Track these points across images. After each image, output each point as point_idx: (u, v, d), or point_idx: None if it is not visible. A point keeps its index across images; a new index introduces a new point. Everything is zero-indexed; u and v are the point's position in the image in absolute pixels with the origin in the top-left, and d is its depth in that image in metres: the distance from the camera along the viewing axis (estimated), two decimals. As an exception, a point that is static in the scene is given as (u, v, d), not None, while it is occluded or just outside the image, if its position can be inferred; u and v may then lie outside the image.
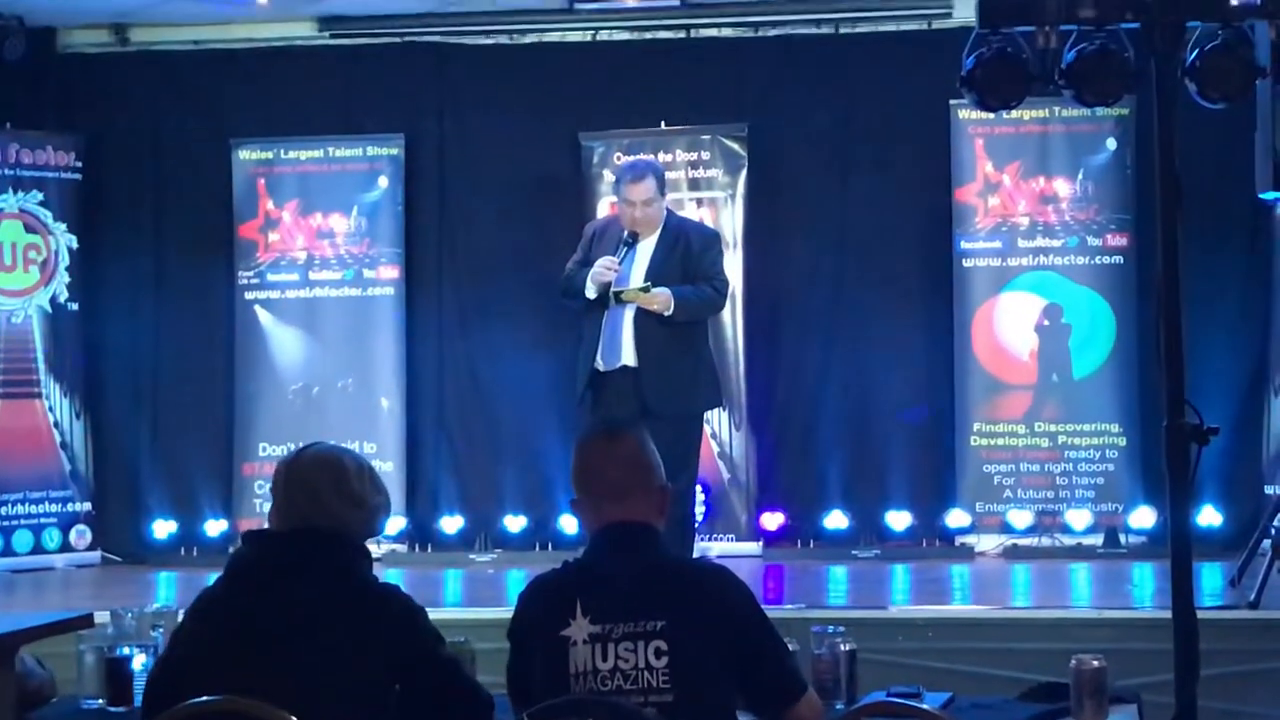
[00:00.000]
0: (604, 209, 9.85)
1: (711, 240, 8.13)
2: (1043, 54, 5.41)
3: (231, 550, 3.94)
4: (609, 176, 9.95)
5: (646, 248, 7.84)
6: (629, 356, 7.74)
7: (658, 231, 7.87)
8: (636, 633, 3.68)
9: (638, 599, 3.71)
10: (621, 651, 3.68)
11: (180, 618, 4.17)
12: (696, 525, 9.62)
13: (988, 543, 9.76)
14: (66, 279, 10.27)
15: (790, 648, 3.94)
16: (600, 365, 7.79)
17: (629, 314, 7.75)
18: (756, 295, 9.99)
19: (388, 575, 9.29)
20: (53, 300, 10.22)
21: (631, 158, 9.56)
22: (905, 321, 10.12)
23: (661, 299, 7.65)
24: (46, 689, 4.42)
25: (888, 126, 10.09)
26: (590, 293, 7.76)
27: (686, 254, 7.84)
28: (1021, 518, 9.70)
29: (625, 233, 7.81)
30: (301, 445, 4.00)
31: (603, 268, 7.71)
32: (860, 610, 7.61)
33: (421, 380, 10.43)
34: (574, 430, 8.07)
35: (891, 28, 10.20)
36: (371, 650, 3.67)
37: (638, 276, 7.76)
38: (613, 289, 7.73)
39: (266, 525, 3.88)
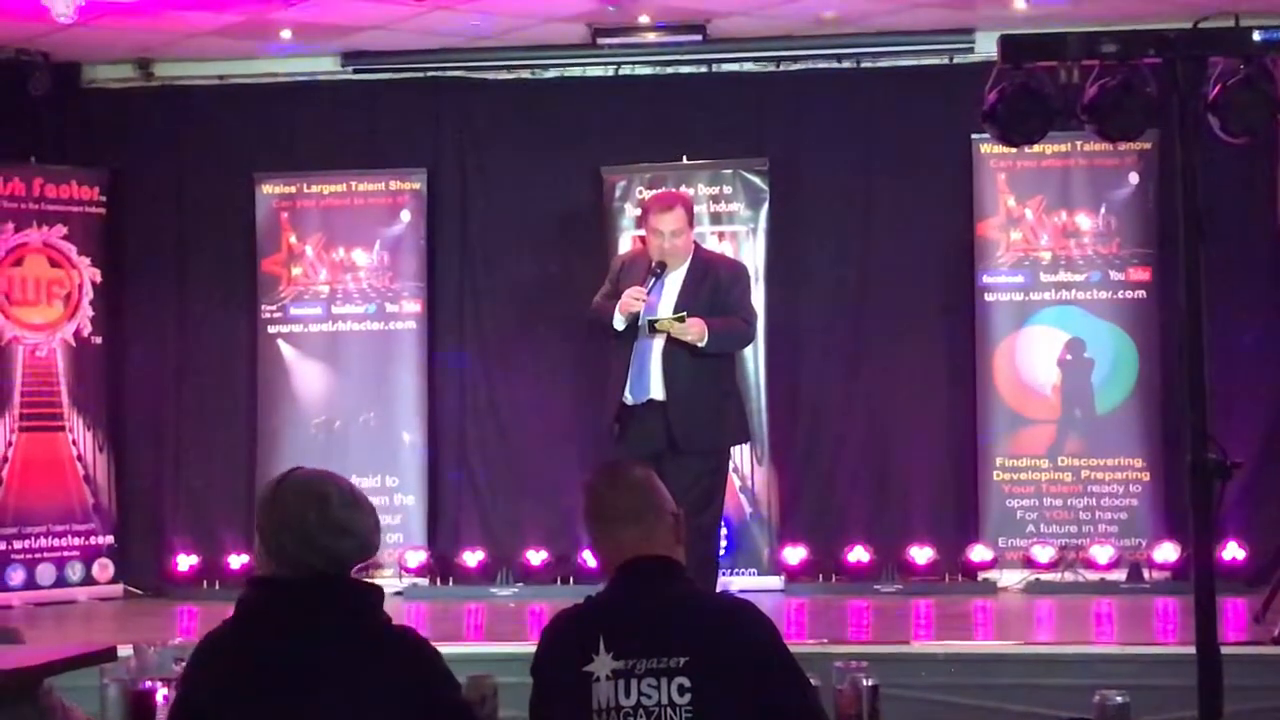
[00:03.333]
0: (626, 243, 9.88)
1: (740, 273, 8.06)
2: (1065, 89, 5.42)
3: (239, 596, 3.81)
4: (631, 210, 9.99)
5: (675, 279, 7.71)
6: (657, 390, 7.59)
7: (686, 263, 7.75)
8: (659, 669, 3.67)
9: (661, 635, 3.70)
10: (644, 688, 3.67)
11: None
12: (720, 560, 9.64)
13: (1010, 578, 9.73)
14: (90, 313, 10.30)
15: (812, 683, 3.93)
16: (629, 399, 7.64)
17: (657, 347, 7.61)
18: (778, 329, 9.98)
19: (409, 609, 9.31)
20: (76, 334, 10.26)
21: (655, 191, 9.62)
22: (927, 356, 10.12)
23: (696, 329, 7.51)
24: None
25: (909, 161, 10.10)
26: (619, 324, 7.64)
27: (715, 286, 7.75)
28: (1044, 553, 9.67)
29: (653, 263, 7.68)
30: (277, 476, 3.84)
31: (631, 298, 7.58)
32: (882, 645, 7.59)
33: (443, 414, 10.44)
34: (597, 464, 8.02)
35: (913, 63, 10.21)
36: (386, 699, 3.63)
37: (666, 307, 7.65)
38: (645, 318, 7.61)
39: (261, 568, 3.78)
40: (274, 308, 10.39)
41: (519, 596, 9.75)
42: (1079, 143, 9.59)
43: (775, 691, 3.73)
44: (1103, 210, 9.80)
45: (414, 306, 10.35)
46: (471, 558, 10.13)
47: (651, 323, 7.58)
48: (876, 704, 4.38)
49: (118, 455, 10.45)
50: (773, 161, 10.08)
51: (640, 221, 7.95)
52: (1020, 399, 9.84)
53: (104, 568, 10.25)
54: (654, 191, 9.35)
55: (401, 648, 3.71)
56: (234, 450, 10.48)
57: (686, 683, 3.65)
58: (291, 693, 3.60)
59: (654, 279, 7.64)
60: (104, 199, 10.42)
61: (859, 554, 9.83)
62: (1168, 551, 9.46)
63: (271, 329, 10.38)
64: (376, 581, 3.81)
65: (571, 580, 9.81)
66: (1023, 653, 7.45)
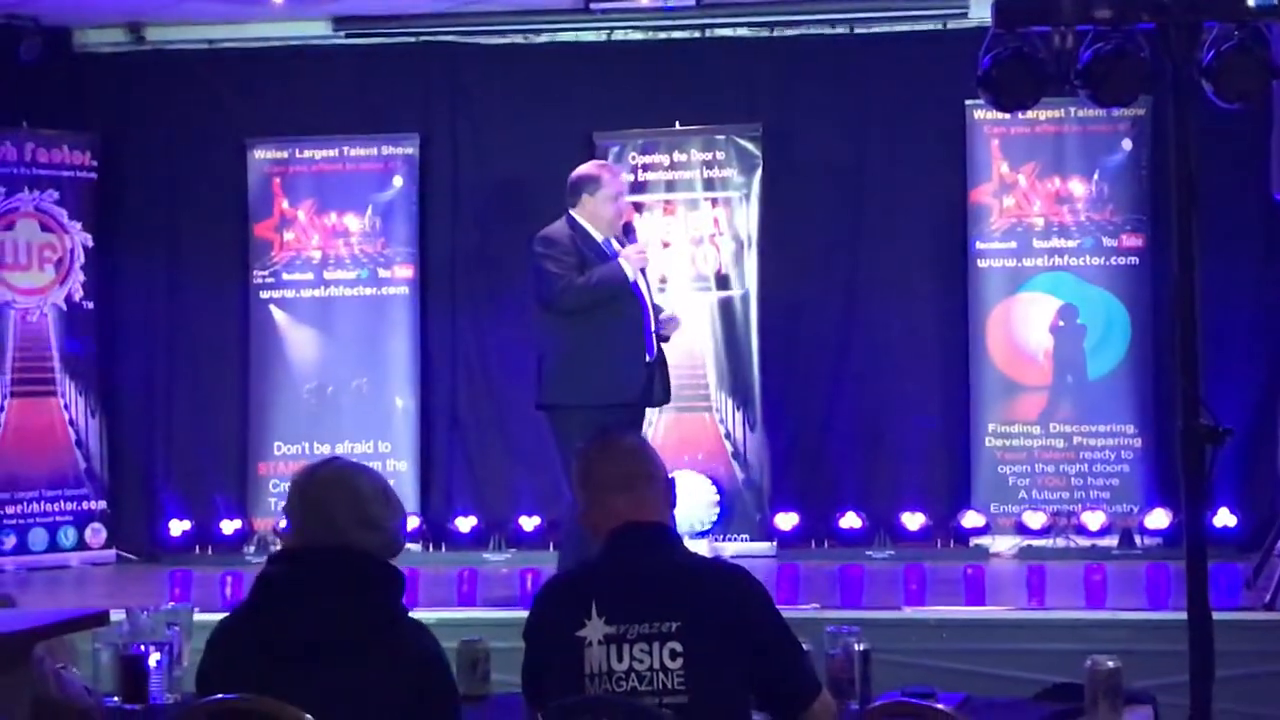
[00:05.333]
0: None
1: None
2: (1059, 54, 5.42)
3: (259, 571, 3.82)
4: (624, 176, 9.97)
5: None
6: (656, 345, 7.93)
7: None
8: (652, 634, 3.68)
9: (653, 600, 3.71)
10: (636, 652, 3.68)
11: (195, 628, 4.11)
12: (712, 526, 9.69)
13: (1002, 544, 9.73)
14: (82, 278, 10.29)
15: (804, 648, 3.94)
16: (646, 356, 7.87)
17: (649, 300, 7.91)
18: (771, 295, 9.98)
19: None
20: (68, 299, 10.24)
21: (647, 158, 9.73)
22: (920, 322, 10.11)
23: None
24: (94, 716, 4.39)
25: (903, 127, 10.08)
26: (632, 276, 7.82)
27: None
28: (1036, 519, 9.68)
29: (625, 223, 8.05)
30: (317, 461, 3.92)
31: (638, 254, 7.90)
32: (874, 611, 7.61)
33: (436, 379, 10.43)
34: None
35: (906, 28, 10.19)
36: (389, 688, 3.63)
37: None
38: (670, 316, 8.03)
39: (281, 545, 3.82)
40: (266, 273, 10.37)
41: (511, 562, 9.76)
42: (1072, 108, 9.57)
43: (767, 657, 3.74)
44: (1096, 176, 9.79)
45: (406, 272, 10.34)
46: (464, 523, 10.14)
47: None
48: (868, 669, 4.40)
49: (110, 420, 10.43)
50: (766, 127, 10.07)
51: (588, 188, 7.96)
52: (1013, 365, 9.84)
53: (96, 533, 10.24)
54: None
55: (412, 646, 3.70)
56: (226, 416, 10.47)
57: (678, 647, 3.67)
58: (298, 661, 3.61)
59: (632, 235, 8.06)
60: (96, 164, 10.39)
61: (851, 520, 9.83)
62: (1159, 518, 9.46)
63: (263, 294, 10.36)
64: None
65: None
66: (1014, 618, 7.47)
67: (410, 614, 3.78)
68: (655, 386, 7.90)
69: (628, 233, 8.01)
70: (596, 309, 7.77)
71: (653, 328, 7.88)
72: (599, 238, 7.91)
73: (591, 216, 7.93)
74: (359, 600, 3.67)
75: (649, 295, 7.93)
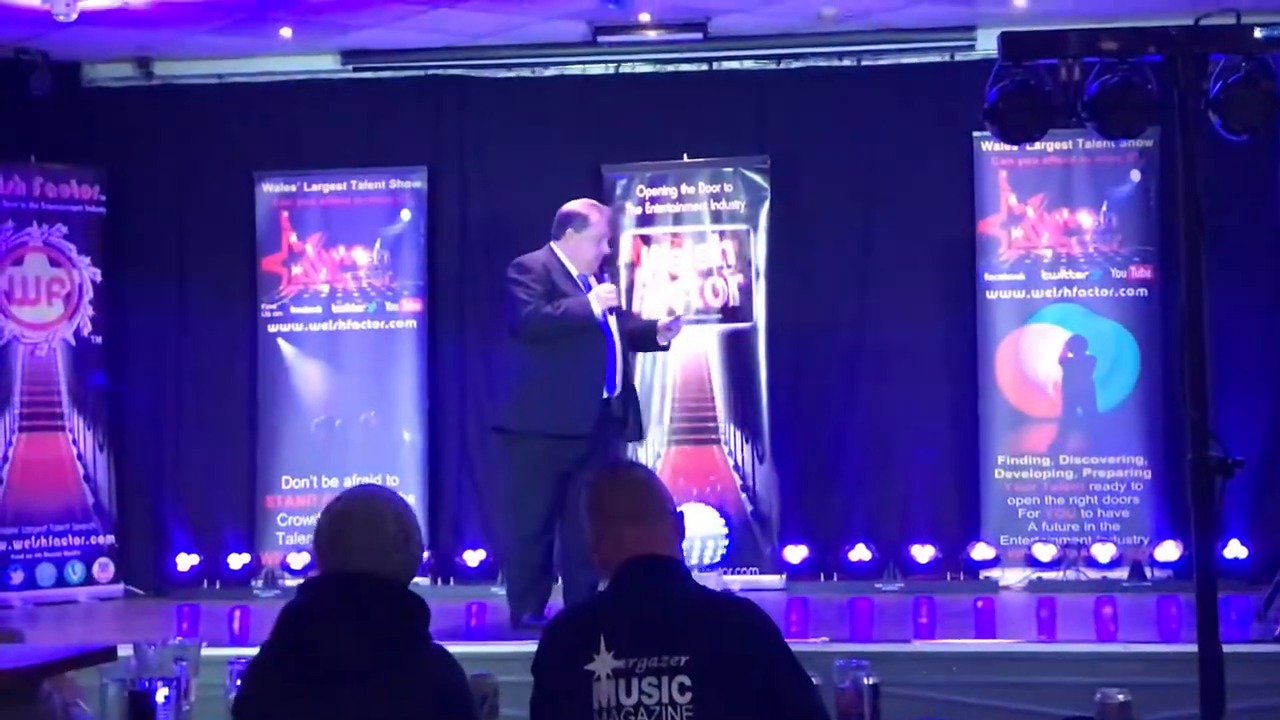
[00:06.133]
0: (627, 241, 9.96)
1: None
2: (1065, 86, 5.42)
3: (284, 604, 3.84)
4: (631, 209, 10.04)
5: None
6: (621, 382, 8.07)
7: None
8: (660, 668, 3.67)
9: (661, 634, 3.70)
10: (645, 687, 3.67)
11: (203, 663, 4.10)
12: (721, 559, 9.68)
13: (1012, 576, 9.72)
14: (90, 312, 10.30)
15: (813, 682, 3.92)
16: (605, 393, 7.99)
17: (618, 341, 8.05)
18: (779, 327, 9.98)
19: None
20: (76, 333, 10.25)
21: (655, 190, 9.82)
22: (928, 353, 10.11)
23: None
24: None
25: (910, 158, 10.09)
26: (599, 314, 7.94)
27: None
28: (1046, 551, 9.66)
29: (599, 264, 8.18)
30: (345, 491, 3.96)
31: (610, 292, 8.02)
32: (884, 644, 7.58)
33: (444, 413, 10.43)
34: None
35: (914, 60, 10.21)
36: (409, 716, 3.63)
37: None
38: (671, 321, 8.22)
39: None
40: (274, 306, 10.38)
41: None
42: (1080, 140, 9.59)
43: (776, 691, 3.73)
44: (1104, 208, 9.79)
45: (414, 305, 10.35)
46: (472, 557, 10.13)
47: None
48: (878, 703, 4.37)
49: (118, 455, 10.44)
50: (773, 159, 10.08)
51: (575, 224, 8.11)
52: (1022, 397, 9.83)
53: (104, 567, 10.24)
54: (656, 192, 9.53)
55: (435, 675, 3.69)
56: (234, 450, 10.47)
57: (687, 681, 3.65)
58: (323, 688, 3.62)
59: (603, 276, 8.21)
60: (104, 198, 10.41)
61: (860, 552, 9.81)
62: (1169, 550, 9.45)
63: (271, 328, 10.37)
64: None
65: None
66: (1024, 651, 7.44)
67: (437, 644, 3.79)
68: (628, 420, 8.07)
69: (602, 271, 8.15)
70: (562, 341, 7.92)
71: (618, 367, 8.01)
72: (575, 273, 8.07)
73: (573, 253, 8.10)
74: (382, 627, 3.68)
75: (617, 335, 8.05)
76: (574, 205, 8.22)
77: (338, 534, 3.80)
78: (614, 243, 8.29)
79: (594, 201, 8.38)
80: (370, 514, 3.82)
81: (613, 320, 8.04)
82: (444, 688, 3.70)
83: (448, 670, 3.74)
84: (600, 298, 7.94)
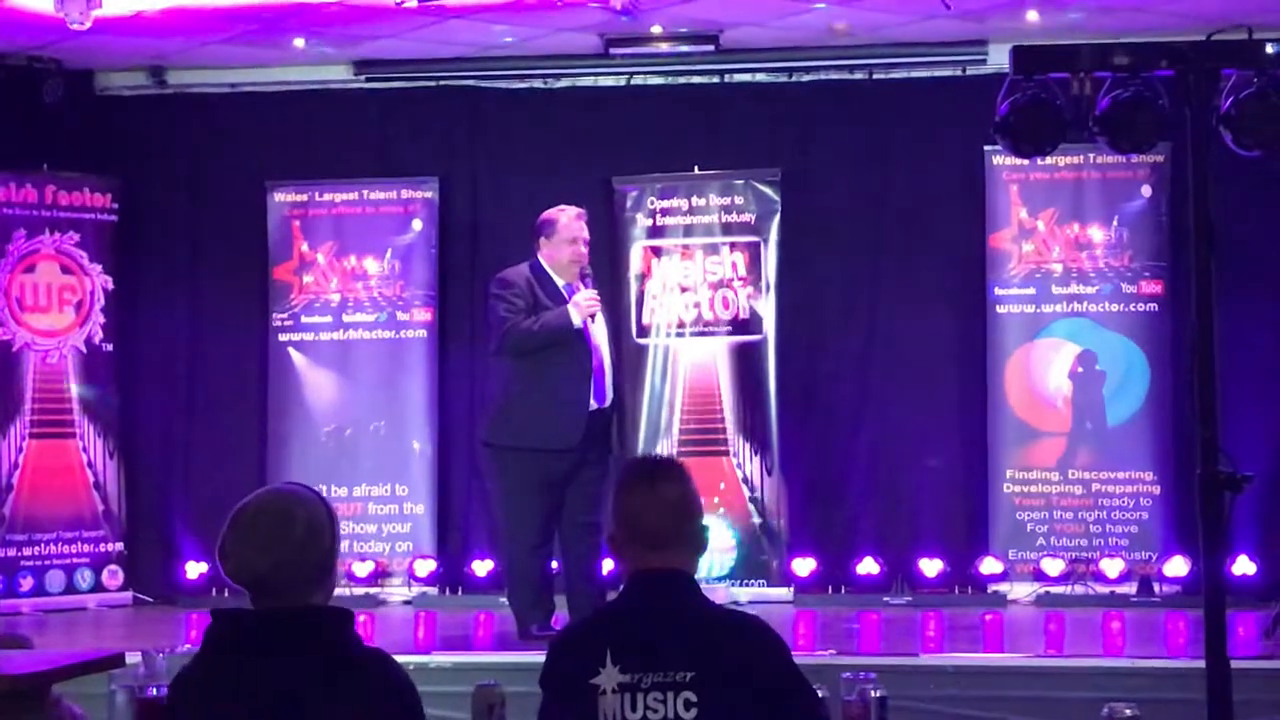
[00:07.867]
0: (637, 253, 9.96)
1: None
2: (1077, 101, 5.43)
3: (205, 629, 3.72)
4: (642, 221, 10.04)
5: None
6: (608, 394, 8.07)
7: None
8: (666, 683, 3.66)
9: (668, 649, 3.68)
10: (651, 702, 3.66)
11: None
12: (729, 571, 9.67)
13: (1020, 590, 9.70)
14: (102, 320, 10.30)
15: (820, 694, 3.92)
16: (594, 404, 7.97)
17: (606, 353, 8.09)
18: (789, 339, 9.98)
19: (418, 618, 9.32)
20: (88, 341, 10.26)
21: (666, 203, 9.81)
22: (938, 367, 10.10)
23: None
24: None
25: (921, 172, 10.09)
26: (577, 323, 7.93)
27: None
28: (1054, 566, 9.65)
29: (582, 270, 8.11)
30: (256, 492, 3.88)
31: (591, 300, 8.00)
32: (891, 657, 7.58)
33: (453, 423, 10.43)
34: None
35: (925, 74, 10.21)
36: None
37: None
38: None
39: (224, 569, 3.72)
40: (285, 316, 10.39)
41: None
42: (1091, 155, 9.58)
43: (782, 707, 3.71)
44: (1115, 223, 9.78)
45: (425, 315, 10.35)
46: (481, 567, 10.12)
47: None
48: (885, 716, 4.38)
49: (128, 462, 10.44)
50: (785, 172, 10.08)
51: (545, 231, 8.12)
52: (1031, 411, 9.82)
53: (113, 575, 10.25)
54: (665, 199, 9.53)
55: (370, 673, 3.58)
56: (244, 458, 10.47)
57: (693, 697, 3.64)
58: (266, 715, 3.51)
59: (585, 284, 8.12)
60: (116, 206, 10.42)
61: (869, 566, 9.80)
62: (1178, 565, 9.43)
63: (282, 337, 10.38)
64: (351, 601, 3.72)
65: (581, 590, 9.79)
66: (1032, 665, 7.43)
67: (366, 645, 3.66)
68: (592, 437, 7.98)
69: (584, 279, 8.10)
70: (545, 354, 7.92)
71: (607, 377, 8.03)
72: (560, 282, 8.07)
73: (552, 260, 8.11)
74: (307, 657, 3.55)
75: (602, 344, 8.07)
76: (546, 213, 8.27)
77: (244, 531, 3.71)
78: (587, 242, 8.17)
79: (565, 206, 8.38)
80: (280, 511, 3.74)
81: (598, 329, 8.04)
82: (385, 691, 3.57)
83: (385, 672, 3.60)
84: (580, 306, 7.93)
